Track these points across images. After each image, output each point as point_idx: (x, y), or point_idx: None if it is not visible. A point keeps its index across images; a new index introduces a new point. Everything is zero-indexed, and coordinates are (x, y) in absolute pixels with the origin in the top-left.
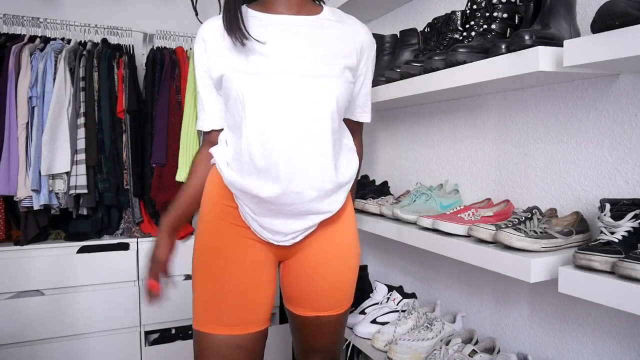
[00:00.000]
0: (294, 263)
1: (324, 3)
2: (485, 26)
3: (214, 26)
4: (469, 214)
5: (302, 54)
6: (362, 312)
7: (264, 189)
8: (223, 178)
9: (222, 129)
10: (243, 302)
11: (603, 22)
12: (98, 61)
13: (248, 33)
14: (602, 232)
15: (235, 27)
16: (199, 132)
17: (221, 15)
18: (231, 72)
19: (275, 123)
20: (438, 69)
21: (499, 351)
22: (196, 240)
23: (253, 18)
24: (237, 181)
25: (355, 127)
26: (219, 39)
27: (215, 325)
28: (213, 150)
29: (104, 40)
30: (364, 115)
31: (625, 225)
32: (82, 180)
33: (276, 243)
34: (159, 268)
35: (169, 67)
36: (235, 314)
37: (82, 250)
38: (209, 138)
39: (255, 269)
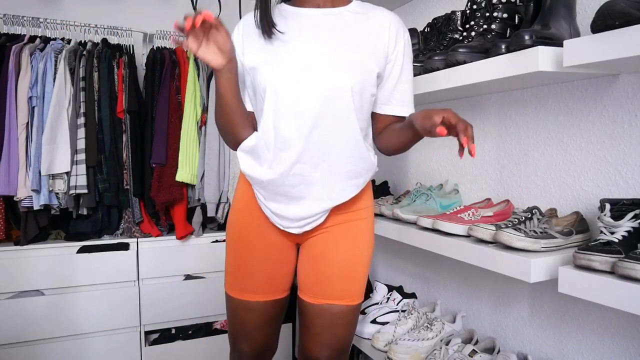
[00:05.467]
0: (307, 246)
1: None
2: (485, 26)
3: (250, 19)
4: (469, 214)
5: (322, 44)
6: (362, 312)
7: (272, 168)
8: (241, 167)
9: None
10: (257, 275)
11: (603, 22)
12: (98, 61)
13: (275, 27)
14: (602, 232)
15: (264, 21)
16: (199, 131)
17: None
18: (259, 64)
19: (289, 108)
20: (438, 69)
21: (499, 351)
22: (228, 221)
23: (285, 12)
24: (249, 169)
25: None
26: (252, 28)
27: (234, 290)
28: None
29: (104, 40)
30: (402, 109)
31: (625, 225)
32: (82, 180)
33: (284, 229)
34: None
35: (169, 67)
36: (249, 284)
37: (82, 250)
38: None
39: (272, 248)
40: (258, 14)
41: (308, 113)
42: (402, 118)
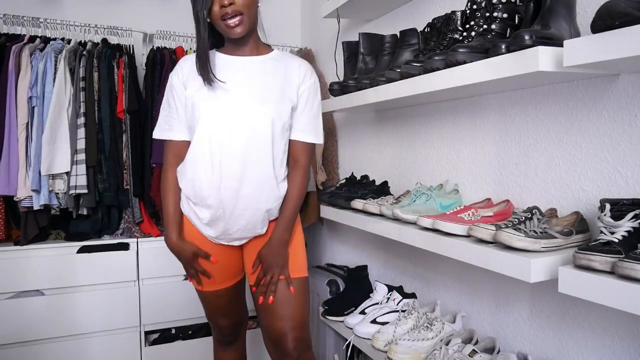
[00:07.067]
0: (247, 245)
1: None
2: (485, 26)
3: (191, 62)
4: (469, 214)
5: (249, 85)
6: (362, 312)
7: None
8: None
9: (189, 142)
10: (214, 272)
11: (603, 23)
12: (98, 61)
13: (214, 76)
14: (602, 232)
15: (204, 72)
16: None
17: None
18: (198, 100)
19: (224, 134)
20: (438, 69)
21: (499, 351)
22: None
23: (219, 59)
24: (190, 187)
25: (302, 149)
26: (193, 71)
27: (201, 285)
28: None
29: (104, 40)
30: (309, 136)
31: (625, 225)
32: (82, 180)
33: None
34: (195, 266)
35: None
36: (209, 280)
37: (82, 250)
38: (175, 150)
39: (219, 250)
40: (199, 66)
41: (238, 139)
42: (309, 143)
